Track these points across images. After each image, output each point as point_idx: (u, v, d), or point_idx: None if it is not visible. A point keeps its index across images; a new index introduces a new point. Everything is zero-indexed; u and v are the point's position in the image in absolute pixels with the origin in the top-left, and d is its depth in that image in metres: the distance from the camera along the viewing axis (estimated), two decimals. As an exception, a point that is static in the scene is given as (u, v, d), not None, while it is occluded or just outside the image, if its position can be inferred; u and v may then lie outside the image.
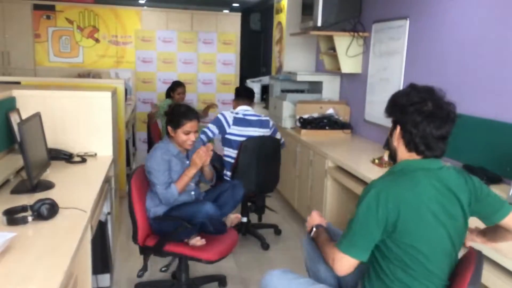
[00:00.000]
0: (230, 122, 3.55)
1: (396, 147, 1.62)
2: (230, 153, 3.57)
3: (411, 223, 1.50)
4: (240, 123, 3.57)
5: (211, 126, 3.58)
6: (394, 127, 1.61)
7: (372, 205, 1.52)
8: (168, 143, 2.73)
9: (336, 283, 1.94)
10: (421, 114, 1.51)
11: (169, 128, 2.70)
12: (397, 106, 1.58)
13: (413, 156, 1.58)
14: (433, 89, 1.57)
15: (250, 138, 3.47)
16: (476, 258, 1.54)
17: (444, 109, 1.53)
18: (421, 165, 1.56)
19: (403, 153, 1.60)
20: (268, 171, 3.52)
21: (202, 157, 2.68)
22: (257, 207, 3.75)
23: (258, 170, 3.46)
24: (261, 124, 3.64)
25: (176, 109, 2.74)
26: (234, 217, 2.93)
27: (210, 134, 3.56)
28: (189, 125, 2.67)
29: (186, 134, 2.67)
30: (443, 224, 1.53)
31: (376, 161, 3.11)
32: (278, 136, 3.79)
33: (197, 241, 2.62)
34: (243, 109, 3.65)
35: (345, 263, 1.58)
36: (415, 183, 1.53)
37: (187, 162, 2.78)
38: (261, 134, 3.60)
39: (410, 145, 1.56)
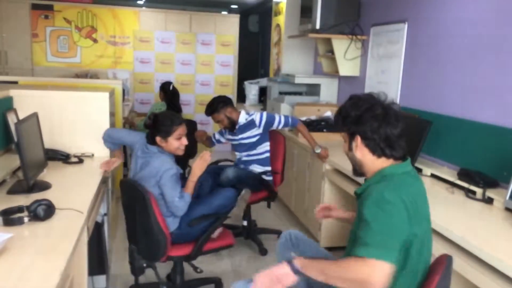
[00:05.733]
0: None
1: (360, 159, 1.60)
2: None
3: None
4: None
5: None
6: (351, 140, 1.60)
7: (399, 206, 1.42)
8: (164, 151, 2.62)
9: None
10: (376, 118, 1.53)
11: (158, 139, 2.58)
12: (350, 118, 1.57)
13: (385, 161, 1.57)
14: (372, 94, 1.60)
15: None
16: (446, 263, 1.53)
17: (391, 109, 1.56)
18: (401, 169, 1.57)
19: (373, 162, 1.58)
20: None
21: (207, 160, 2.65)
22: None
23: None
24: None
25: (161, 118, 2.62)
26: (220, 230, 2.84)
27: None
28: (181, 130, 2.60)
29: (178, 139, 2.60)
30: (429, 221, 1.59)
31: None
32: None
33: (220, 231, 2.77)
34: None
35: (380, 272, 1.30)
36: (409, 185, 1.53)
37: None
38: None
39: (377, 151, 1.56)
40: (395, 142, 1.55)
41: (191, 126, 4.50)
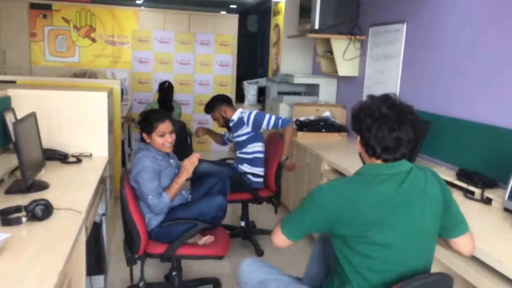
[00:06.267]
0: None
1: (362, 156, 1.68)
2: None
3: (352, 223, 1.52)
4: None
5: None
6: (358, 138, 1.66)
7: (316, 201, 1.60)
8: (149, 148, 2.63)
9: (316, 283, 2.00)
10: (371, 118, 1.55)
11: (145, 136, 2.64)
12: (353, 117, 1.65)
13: (373, 161, 1.60)
14: (387, 95, 1.62)
15: None
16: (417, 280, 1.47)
17: (398, 112, 1.55)
18: (380, 170, 1.57)
19: (366, 159, 1.65)
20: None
21: (195, 163, 2.66)
22: None
23: None
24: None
25: (146, 115, 2.69)
26: (207, 238, 2.67)
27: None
28: (163, 127, 2.62)
29: (161, 136, 2.62)
30: (392, 228, 1.52)
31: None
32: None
33: (208, 239, 2.63)
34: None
35: (281, 241, 1.72)
36: (367, 187, 1.54)
37: (171, 161, 2.76)
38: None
39: (369, 150, 1.59)
40: (388, 144, 1.54)
41: (179, 126, 4.52)
